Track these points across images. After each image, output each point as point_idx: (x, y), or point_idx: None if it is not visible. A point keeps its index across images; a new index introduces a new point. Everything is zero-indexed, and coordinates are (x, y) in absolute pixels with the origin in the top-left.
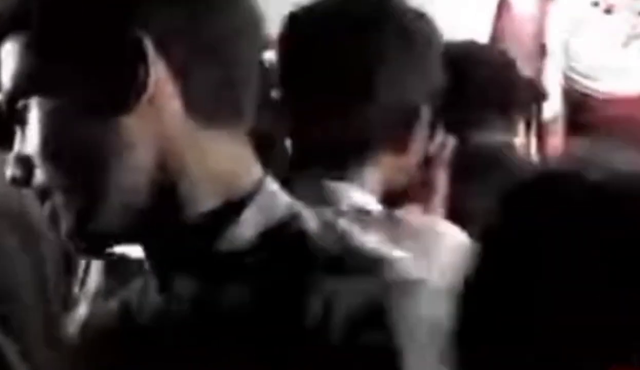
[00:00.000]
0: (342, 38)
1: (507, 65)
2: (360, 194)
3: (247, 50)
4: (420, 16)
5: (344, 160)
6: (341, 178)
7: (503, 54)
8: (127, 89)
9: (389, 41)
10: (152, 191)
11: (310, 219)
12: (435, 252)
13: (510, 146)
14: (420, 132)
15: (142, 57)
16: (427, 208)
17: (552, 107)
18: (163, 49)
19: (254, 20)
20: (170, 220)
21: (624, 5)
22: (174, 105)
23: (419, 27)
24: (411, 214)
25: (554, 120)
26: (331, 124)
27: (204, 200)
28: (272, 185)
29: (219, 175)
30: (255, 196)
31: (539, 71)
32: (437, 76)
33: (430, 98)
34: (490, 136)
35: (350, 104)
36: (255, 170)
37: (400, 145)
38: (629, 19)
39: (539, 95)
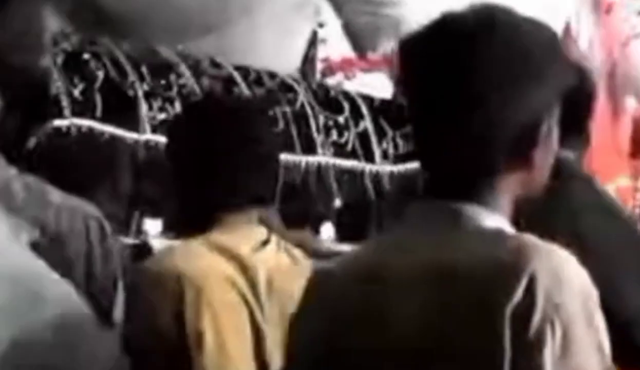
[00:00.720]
0: (451, 54)
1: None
2: (490, 216)
3: None
4: (533, 23)
5: (470, 181)
6: (471, 201)
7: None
8: None
9: (500, 51)
10: None
11: None
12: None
13: (576, 161)
14: (547, 144)
15: None
16: None
17: None
18: None
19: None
20: None
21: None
22: None
23: (532, 35)
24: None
25: None
26: (452, 145)
27: None
28: None
29: None
30: None
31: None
32: (559, 82)
33: (553, 107)
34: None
35: (466, 124)
36: None
37: (525, 160)
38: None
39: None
